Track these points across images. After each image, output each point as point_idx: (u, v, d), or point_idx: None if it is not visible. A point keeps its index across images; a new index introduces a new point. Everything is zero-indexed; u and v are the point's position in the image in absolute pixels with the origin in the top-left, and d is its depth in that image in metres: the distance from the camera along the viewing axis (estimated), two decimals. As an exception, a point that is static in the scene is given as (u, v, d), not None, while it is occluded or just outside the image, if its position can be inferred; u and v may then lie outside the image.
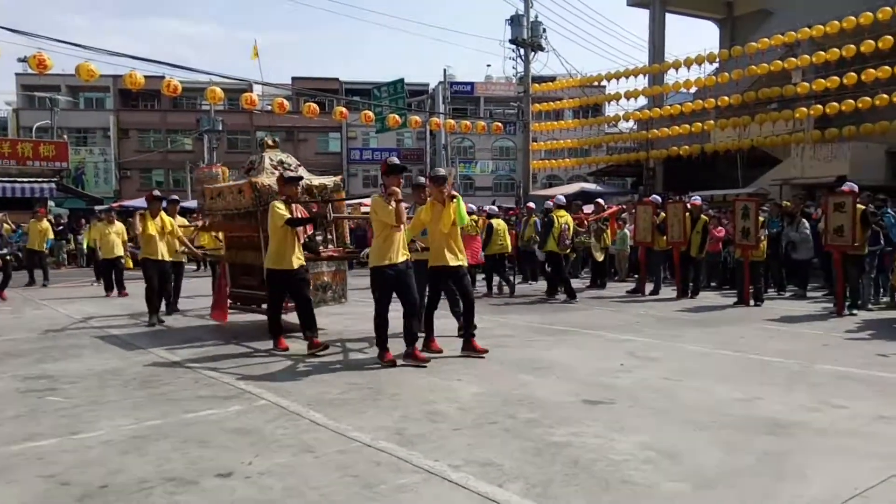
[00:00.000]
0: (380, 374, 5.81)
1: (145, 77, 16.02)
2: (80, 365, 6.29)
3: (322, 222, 8.06)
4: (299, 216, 6.96)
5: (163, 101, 41.64)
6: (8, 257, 12.37)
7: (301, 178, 7.54)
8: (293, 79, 41.48)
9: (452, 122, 25.52)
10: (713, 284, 13.54)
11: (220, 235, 10.03)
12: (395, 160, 6.41)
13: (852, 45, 16.45)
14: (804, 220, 11.60)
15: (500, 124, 27.84)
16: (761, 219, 10.74)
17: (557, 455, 3.71)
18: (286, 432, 4.16)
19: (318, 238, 7.95)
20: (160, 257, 9.12)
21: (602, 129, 29.86)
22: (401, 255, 6.14)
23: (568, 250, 11.85)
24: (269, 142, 8.52)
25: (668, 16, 27.10)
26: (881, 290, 10.81)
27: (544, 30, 25.07)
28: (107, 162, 41.72)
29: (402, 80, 25.65)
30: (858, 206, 9.29)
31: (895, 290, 10.03)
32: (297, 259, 6.73)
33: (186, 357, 6.62)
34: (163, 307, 9.54)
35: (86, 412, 4.68)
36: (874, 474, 3.37)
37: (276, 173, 7.59)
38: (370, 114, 23.49)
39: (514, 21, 24.54)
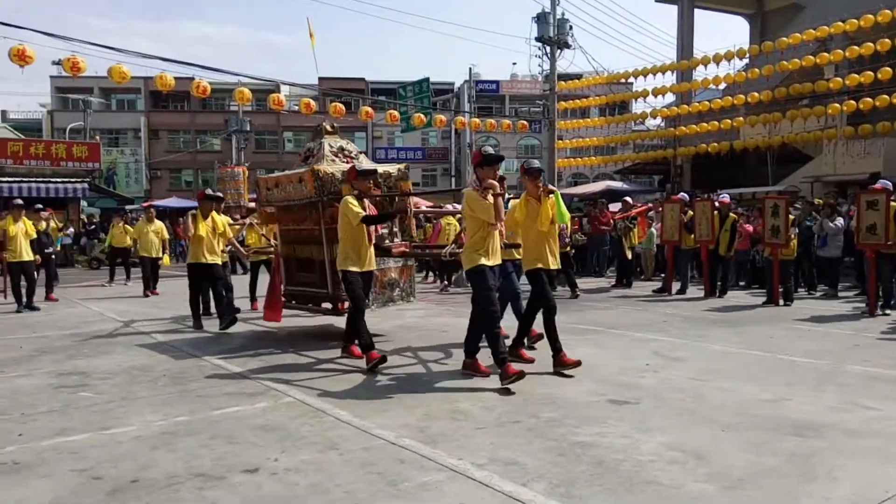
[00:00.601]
0: (403, 372, 5.83)
1: (175, 79, 16.25)
2: (110, 361, 6.42)
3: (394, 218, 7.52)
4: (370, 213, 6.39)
5: (192, 103, 42.22)
6: (53, 256, 12.35)
7: (376, 171, 6.97)
8: (320, 79, 41.68)
9: (477, 120, 25.48)
10: (742, 284, 13.34)
11: (268, 231, 9.79)
12: (490, 149, 5.72)
13: (887, 39, 16.05)
14: (826, 219, 11.37)
15: (525, 123, 27.68)
16: (792, 217, 10.56)
17: (582, 455, 3.70)
18: (311, 429, 4.20)
19: (384, 231, 7.22)
20: (206, 260, 8.39)
21: (629, 127, 29.54)
22: (498, 257, 5.59)
23: (567, 248, 11.92)
24: (328, 127, 7.82)
25: (697, 11, 26.78)
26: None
27: (571, 27, 24.88)
28: (137, 162, 42.46)
29: (427, 80, 25.70)
30: (893, 203, 9.09)
31: None
32: (373, 259, 6.31)
33: (216, 354, 6.72)
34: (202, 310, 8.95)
35: (117, 408, 4.78)
36: (906, 477, 3.31)
37: (337, 161, 7.20)
38: (395, 113, 23.58)
39: (541, 19, 24.39)
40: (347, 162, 7.25)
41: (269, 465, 3.60)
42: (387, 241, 7.12)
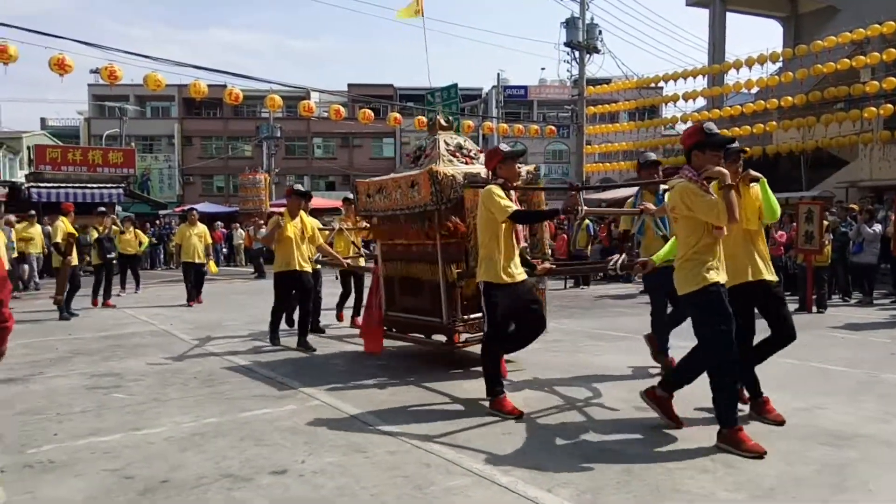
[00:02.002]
0: (430, 378, 5.83)
1: (208, 86, 16.53)
2: (143, 363, 6.54)
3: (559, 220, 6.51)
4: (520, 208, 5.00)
5: (224, 110, 42.87)
6: (114, 261, 11.81)
7: (525, 151, 5.76)
8: (349, 85, 42.06)
9: (505, 125, 25.51)
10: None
11: (356, 237, 9.12)
12: (713, 126, 4.16)
13: (925, 42, 15.73)
14: (864, 225, 11.10)
15: (553, 128, 27.61)
16: (826, 223, 10.36)
17: (609, 462, 3.66)
18: (338, 432, 4.23)
19: (525, 245, 5.51)
20: (296, 268, 7.29)
21: (658, 132, 29.29)
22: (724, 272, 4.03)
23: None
24: (443, 121, 6.67)
25: (729, 14, 26.43)
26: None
27: (600, 32, 24.79)
28: (171, 168, 43.20)
29: (455, 85, 25.74)
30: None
31: None
32: (522, 271, 4.83)
33: (246, 356, 6.81)
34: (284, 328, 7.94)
35: (149, 409, 4.87)
36: (944, 490, 3.22)
37: (455, 161, 6.10)
38: (424, 119, 23.67)
39: (570, 24, 24.34)
40: (467, 163, 6.18)
41: (296, 467, 3.63)
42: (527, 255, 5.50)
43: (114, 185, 24.50)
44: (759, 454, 3.68)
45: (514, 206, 4.68)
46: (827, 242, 10.35)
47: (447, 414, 4.63)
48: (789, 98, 19.26)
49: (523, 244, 5.24)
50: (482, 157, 6.18)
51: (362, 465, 3.67)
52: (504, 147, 4.98)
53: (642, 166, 5.99)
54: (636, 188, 6.41)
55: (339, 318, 9.30)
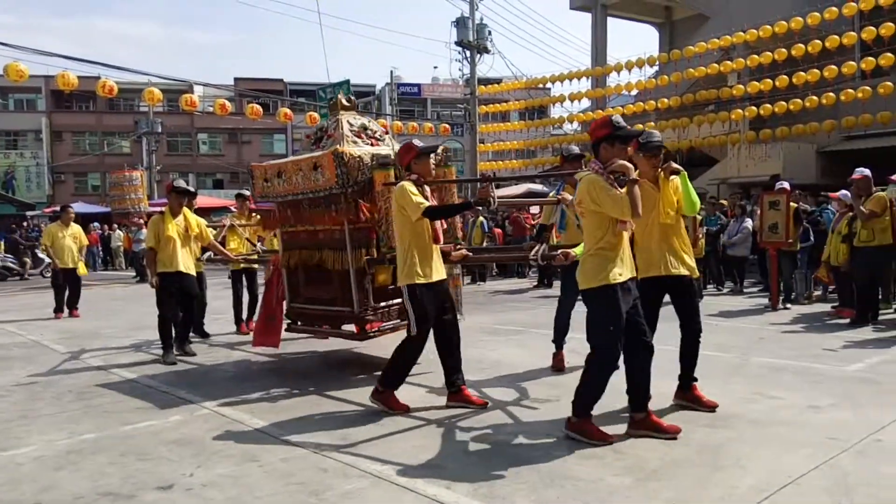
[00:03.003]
0: (326, 383, 5.73)
1: (79, 78, 15.45)
2: (9, 377, 6.02)
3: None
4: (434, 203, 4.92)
5: (98, 103, 40.25)
6: None
7: (438, 148, 5.57)
8: (236, 79, 40.66)
9: (400, 123, 25.53)
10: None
11: (252, 234, 8.49)
12: (621, 119, 4.12)
13: (784, 49, 17.09)
14: (747, 219, 11.93)
15: (447, 126, 27.87)
16: (699, 217, 11.04)
17: (501, 454, 3.73)
18: (228, 442, 4.07)
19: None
20: (181, 269, 6.87)
21: (548, 131, 30.22)
22: (631, 268, 4.06)
23: None
24: (344, 101, 6.31)
25: (610, 19, 27.61)
26: (811, 284, 11.24)
27: (490, 32, 25.25)
28: (39, 166, 40.09)
29: (347, 82, 25.41)
30: (791, 204, 9.65)
31: (819, 282, 10.42)
32: (441, 270, 4.80)
33: (125, 367, 6.42)
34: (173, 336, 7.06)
35: (16, 427, 4.48)
36: (806, 462, 3.50)
37: (360, 142, 5.80)
38: (316, 115, 23.24)
39: (460, 23, 24.64)
40: (372, 144, 5.90)
41: (184, 481, 3.45)
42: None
43: (-28, 184, 22.44)
44: (608, 441, 3.83)
45: (427, 203, 4.58)
46: (701, 236, 11.04)
47: (342, 419, 4.56)
48: (665, 100, 20.42)
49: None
50: (388, 137, 6.10)
51: (255, 474, 3.54)
52: (418, 143, 4.85)
53: (566, 159, 5.84)
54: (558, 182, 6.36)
55: (242, 329, 8.35)
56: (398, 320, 5.86)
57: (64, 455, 3.89)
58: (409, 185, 4.57)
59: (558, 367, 5.84)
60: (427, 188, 4.83)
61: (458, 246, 5.67)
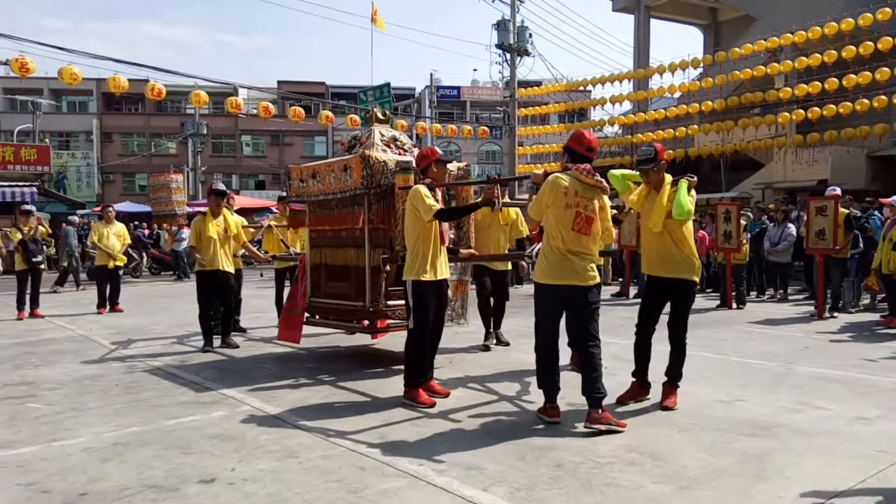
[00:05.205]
0: (359, 379, 5.78)
1: (129, 80, 15.89)
2: (60, 371, 6.22)
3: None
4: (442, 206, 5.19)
5: (147, 105, 41.34)
6: (41, 265, 10.62)
7: (451, 160, 6.02)
8: (279, 82, 41.30)
9: (439, 126, 25.54)
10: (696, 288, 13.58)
11: (290, 237, 8.75)
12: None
13: (834, 51, 16.61)
14: (790, 225, 11.65)
15: (486, 128, 27.83)
16: (743, 222, 10.84)
17: (541, 458, 3.71)
18: (269, 438, 4.14)
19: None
20: (219, 267, 7.28)
21: (587, 134, 29.92)
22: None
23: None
24: (379, 114, 6.81)
25: (653, 21, 27.29)
26: (861, 293, 10.92)
27: (530, 35, 25.12)
28: (89, 166, 41.34)
29: (388, 84, 25.63)
30: (841, 210, 9.40)
31: (868, 290, 10.13)
32: (446, 266, 5.15)
33: (171, 362, 6.57)
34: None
35: (66, 419, 4.63)
36: (854, 474, 3.41)
37: (388, 152, 6.20)
38: (356, 118, 23.45)
39: (501, 26, 24.58)
40: (400, 154, 6.30)
41: (225, 475, 3.52)
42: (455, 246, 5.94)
43: (27, 184, 23.26)
44: (556, 420, 4.32)
45: (438, 206, 4.87)
46: (745, 241, 10.83)
47: (380, 415, 4.59)
48: (709, 103, 20.05)
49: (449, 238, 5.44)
50: (416, 150, 6.36)
51: (295, 470, 3.59)
52: (440, 151, 5.26)
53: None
54: None
55: None
56: (403, 320, 5.99)
57: (111, 447, 4.01)
58: (423, 189, 4.88)
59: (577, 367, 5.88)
60: (438, 192, 5.17)
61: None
